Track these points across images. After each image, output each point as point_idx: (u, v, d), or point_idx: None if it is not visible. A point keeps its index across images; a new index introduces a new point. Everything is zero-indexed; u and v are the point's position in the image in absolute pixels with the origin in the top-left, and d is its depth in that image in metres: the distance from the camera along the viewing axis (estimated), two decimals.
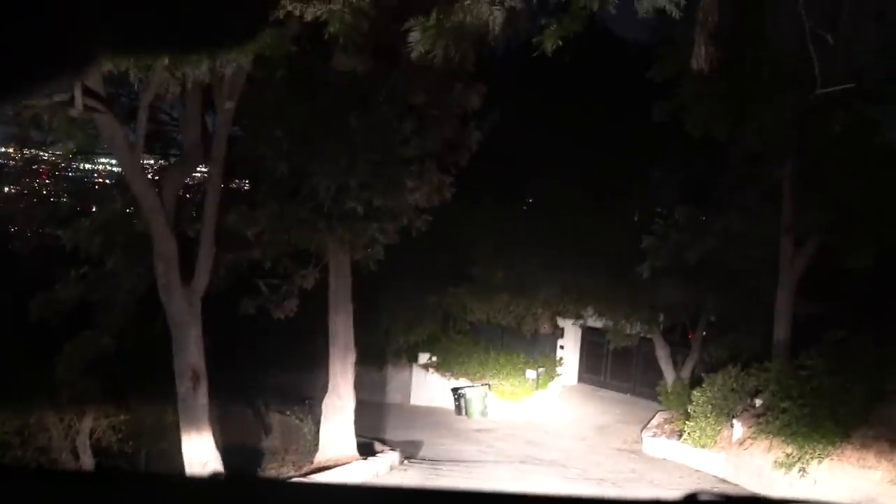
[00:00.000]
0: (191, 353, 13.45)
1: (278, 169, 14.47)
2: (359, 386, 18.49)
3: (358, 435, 18.28)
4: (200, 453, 13.60)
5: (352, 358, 17.47)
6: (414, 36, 9.61)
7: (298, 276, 16.93)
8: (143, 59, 8.64)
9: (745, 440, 18.50)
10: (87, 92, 10.93)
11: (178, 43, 1.49)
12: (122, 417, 18.79)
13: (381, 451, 18.29)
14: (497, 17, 9.84)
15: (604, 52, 26.02)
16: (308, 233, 15.26)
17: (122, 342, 16.69)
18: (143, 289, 15.27)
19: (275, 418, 22.32)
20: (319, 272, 17.25)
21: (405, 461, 18.30)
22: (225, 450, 16.08)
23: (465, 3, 9.52)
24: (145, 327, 16.19)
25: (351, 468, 16.23)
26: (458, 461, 19.28)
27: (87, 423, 18.36)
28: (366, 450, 18.18)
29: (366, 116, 14.23)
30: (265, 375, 23.57)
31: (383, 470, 17.01)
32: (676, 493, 1.92)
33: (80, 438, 18.38)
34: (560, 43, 9.72)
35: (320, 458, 17.24)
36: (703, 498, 1.81)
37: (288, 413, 21.18)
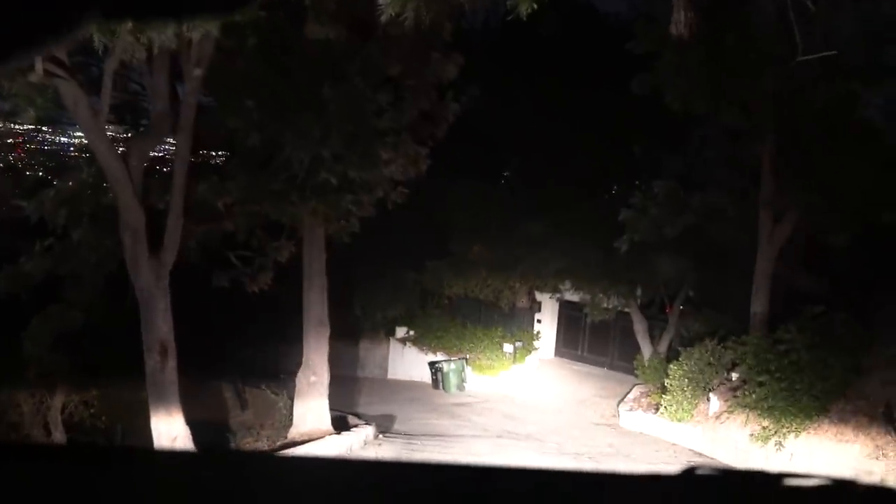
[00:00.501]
0: (159, 327, 13.11)
1: (249, 140, 14.07)
2: (336, 360, 18.27)
3: (334, 409, 18.01)
4: (169, 429, 13.30)
5: (326, 332, 17.15)
6: None
7: (272, 249, 16.60)
8: (133, 23, 8.31)
9: (721, 414, 18.36)
10: (48, 57, 10.52)
11: (168, 8, 1.44)
12: (93, 393, 18.41)
13: (356, 426, 17.99)
14: None
15: (584, 25, 25.81)
16: (281, 205, 14.87)
17: (91, 316, 16.33)
18: (112, 262, 14.86)
19: (250, 393, 22.02)
20: (294, 245, 16.94)
21: (380, 435, 18.02)
22: (199, 425, 15.81)
23: None
24: (115, 301, 15.82)
25: (325, 443, 15.95)
26: (434, 435, 19.05)
27: (58, 400, 17.97)
28: (341, 424, 17.90)
29: (339, 86, 13.83)
30: (241, 350, 23.26)
31: (357, 444, 16.74)
32: (671, 468, 1.96)
33: (51, 414, 18.00)
34: (535, 6, 9.30)
35: (294, 433, 16.95)
36: (701, 472, 1.75)
37: (263, 388, 20.90)
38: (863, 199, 17.65)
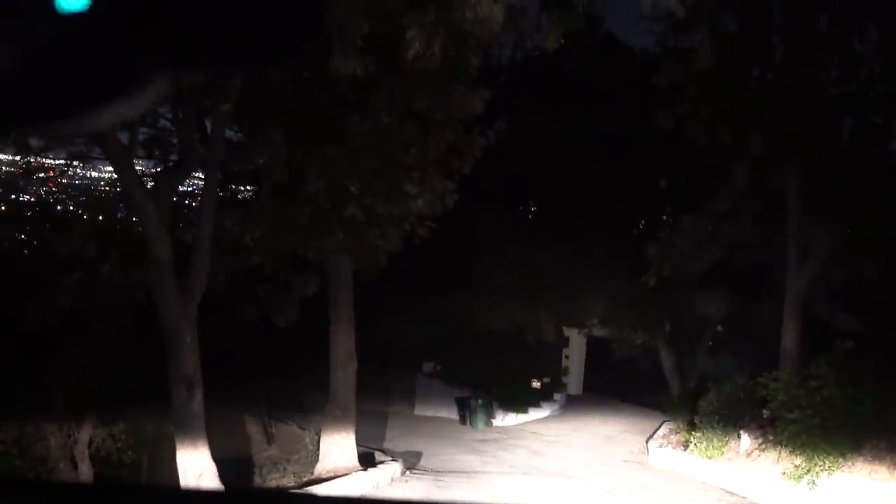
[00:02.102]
0: (185, 360, 13.05)
1: (277, 174, 14.08)
2: (362, 395, 18.15)
3: (360, 445, 17.89)
4: (195, 464, 13.18)
5: (353, 367, 17.06)
6: (411, 33, 9.26)
7: (298, 283, 16.57)
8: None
9: (752, 451, 18.05)
10: None
11: (236, 60, 1.46)
12: (121, 426, 18.34)
13: (383, 462, 17.84)
14: (496, 14, 9.52)
15: (610, 59, 25.77)
16: (307, 239, 14.83)
17: (120, 349, 16.31)
18: (140, 294, 14.86)
19: (277, 427, 21.91)
20: (321, 279, 16.91)
21: (407, 472, 17.87)
22: (225, 459, 15.70)
23: None
24: (144, 333, 15.80)
25: (351, 479, 15.81)
26: (461, 472, 18.85)
27: (85, 432, 17.89)
28: (367, 460, 17.76)
29: (366, 120, 13.84)
30: (268, 383, 23.16)
31: (384, 481, 16.58)
32: None
33: (78, 448, 17.90)
34: (562, 41, 9.29)
35: (321, 469, 16.81)
36: None
37: (289, 422, 20.77)
38: (891, 229, 17.41)
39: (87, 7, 1.16)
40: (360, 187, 13.98)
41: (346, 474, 16.11)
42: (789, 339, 19.05)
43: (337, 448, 16.88)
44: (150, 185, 13.91)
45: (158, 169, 16.21)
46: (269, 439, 21.81)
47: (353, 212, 14.10)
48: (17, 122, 1.49)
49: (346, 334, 16.91)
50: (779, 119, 17.25)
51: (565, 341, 28.45)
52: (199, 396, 13.18)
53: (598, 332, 26.73)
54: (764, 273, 19.79)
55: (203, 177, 14.34)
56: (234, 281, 16.30)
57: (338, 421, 16.89)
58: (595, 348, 28.27)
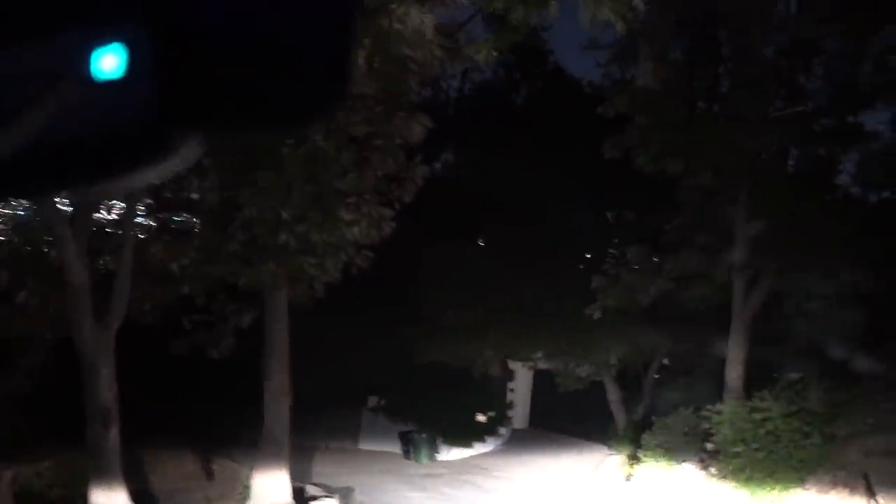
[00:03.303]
0: (101, 393, 12.21)
1: (206, 200, 13.33)
2: (306, 429, 17.42)
3: (298, 480, 17.21)
4: (108, 502, 12.27)
5: (287, 401, 16.23)
6: None
7: (233, 314, 15.76)
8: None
9: (696, 484, 17.47)
10: None
11: (270, 123, 1.37)
12: (46, 463, 17.35)
13: (318, 498, 16.99)
14: (426, 23, 8.97)
15: (558, 91, 25.44)
16: (239, 268, 14.04)
17: (42, 381, 15.39)
18: (60, 325, 13.96)
19: (219, 463, 20.99)
20: (257, 310, 16.12)
21: None
22: (159, 497, 14.89)
23: (393, 7, 8.59)
24: (67, 365, 14.89)
25: None
26: None
27: (9, 471, 16.91)
28: (303, 496, 16.92)
29: (301, 146, 13.13)
30: (208, 417, 22.25)
31: None
32: None
33: (1, 487, 16.91)
34: (495, 54, 8.74)
35: None
36: None
37: (231, 458, 19.90)
38: (837, 262, 17.06)
39: (122, 75, 1.14)
40: (293, 214, 13.26)
41: None
42: (734, 371, 18.56)
43: (270, 484, 16.04)
44: (68, 209, 13.05)
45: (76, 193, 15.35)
46: (209, 475, 20.91)
47: (285, 240, 13.37)
48: (43, 187, 1.46)
49: (281, 367, 16.10)
50: (726, 150, 16.85)
51: (511, 374, 27.87)
52: (114, 431, 12.33)
53: (543, 365, 26.13)
54: (710, 306, 19.30)
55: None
56: (165, 312, 15.44)
57: (271, 456, 16.07)
58: (541, 381, 27.68)
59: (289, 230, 13.36)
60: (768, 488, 15.46)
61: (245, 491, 17.35)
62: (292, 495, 16.37)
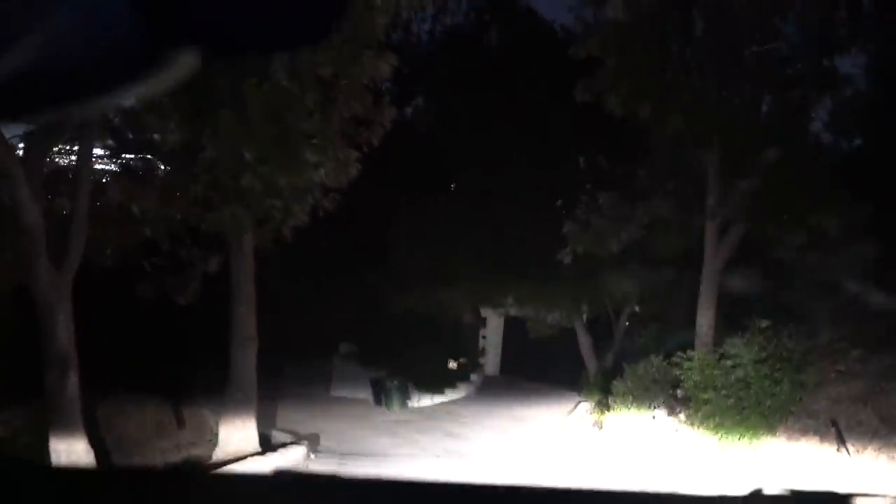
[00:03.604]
0: (58, 339, 11.82)
1: (167, 140, 12.89)
2: (277, 377, 17.15)
3: (268, 427, 17.23)
4: (69, 449, 11.97)
5: (254, 347, 15.89)
6: None
7: (199, 259, 15.39)
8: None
9: (666, 430, 17.40)
10: None
11: (268, 42, 1.36)
12: (12, 412, 17.01)
13: (286, 445, 16.77)
14: None
15: (530, 34, 25.01)
16: (201, 211, 13.67)
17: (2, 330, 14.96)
18: (17, 271, 13.53)
19: (190, 411, 20.72)
20: (223, 255, 15.74)
21: (312, 455, 16.85)
22: (125, 445, 14.61)
23: None
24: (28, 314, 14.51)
25: (249, 463, 14.72)
26: (369, 455, 17.94)
27: None
28: (271, 444, 16.69)
29: (264, 86, 12.69)
30: (178, 366, 21.93)
31: (286, 464, 15.50)
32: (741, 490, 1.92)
33: None
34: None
35: (220, 453, 15.69)
36: (768, 493, 1.87)
37: (202, 406, 19.62)
38: (810, 209, 16.87)
39: None
40: (256, 156, 12.86)
41: (244, 458, 14.99)
42: (705, 318, 18.36)
43: (237, 432, 15.77)
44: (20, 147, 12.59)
45: (30, 130, 14.82)
46: (181, 424, 20.65)
47: (249, 182, 12.99)
48: (38, 107, 1.35)
49: (247, 312, 15.74)
50: (697, 95, 16.54)
51: (483, 322, 27.75)
52: (73, 378, 11.98)
53: (515, 312, 26.01)
54: (682, 252, 19.11)
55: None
56: (129, 256, 15.04)
57: (238, 404, 15.77)
58: (513, 329, 27.57)
59: (252, 172, 12.99)
60: (738, 436, 15.37)
61: (215, 438, 17.13)
62: (259, 442, 16.12)
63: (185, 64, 1.16)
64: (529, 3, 26.46)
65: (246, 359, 15.83)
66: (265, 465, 14.87)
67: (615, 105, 16.57)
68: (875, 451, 12.93)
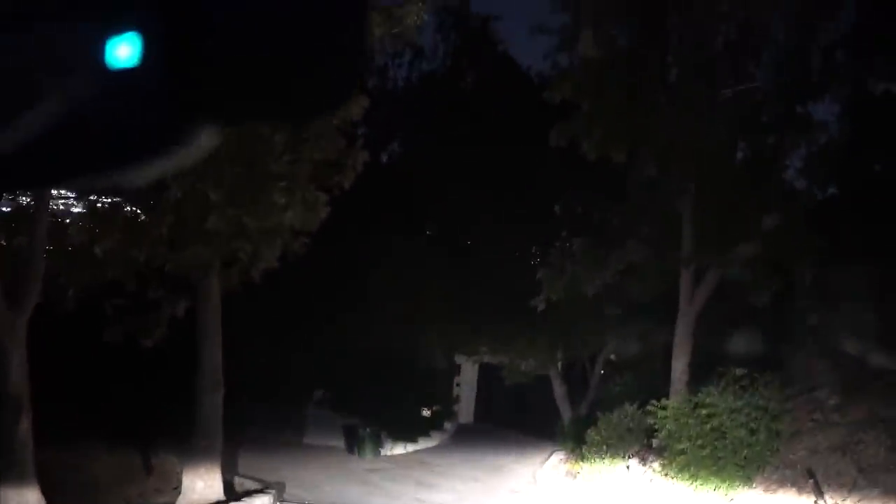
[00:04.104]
0: (11, 383, 11.30)
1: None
2: (253, 424, 16.65)
3: (235, 475, 16.91)
4: (21, 500, 11.38)
5: (219, 392, 15.39)
6: None
7: (166, 302, 14.92)
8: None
9: (640, 481, 16.93)
10: None
11: (282, 115, 1.47)
12: None
13: (251, 494, 16.19)
14: None
15: (505, 81, 24.93)
16: (165, 252, 13.24)
17: None
18: None
19: (160, 458, 20.11)
20: (191, 298, 15.28)
21: (278, 503, 16.28)
22: (88, 491, 14.31)
23: None
24: None
25: None
26: None
27: None
28: (236, 492, 16.12)
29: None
30: (147, 412, 21.37)
31: None
32: None
33: None
34: (422, 18, 8.09)
35: (183, 502, 15.10)
36: None
37: (170, 453, 19.06)
38: (784, 256, 16.63)
39: (137, 64, 1.12)
40: (223, 196, 12.49)
41: None
42: (680, 366, 17.98)
43: (201, 481, 15.22)
44: None
45: None
46: (150, 471, 20.04)
47: (215, 223, 12.60)
48: (55, 178, 1.36)
49: (213, 356, 15.28)
50: (672, 139, 16.32)
51: (457, 369, 27.33)
52: (26, 424, 11.43)
53: (490, 359, 25.61)
54: (656, 299, 18.79)
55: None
56: (93, 298, 14.55)
57: (203, 450, 15.25)
58: (487, 376, 27.15)
59: (219, 213, 12.62)
60: (714, 486, 14.93)
61: (180, 485, 16.57)
62: (225, 489, 15.57)
63: (205, 140, 1.16)
64: (506, 49, 26.24)
65: (212, 404, 15.32)
66: None
67: (589, 149, 16.31)
68: (855, 502, 12.49)
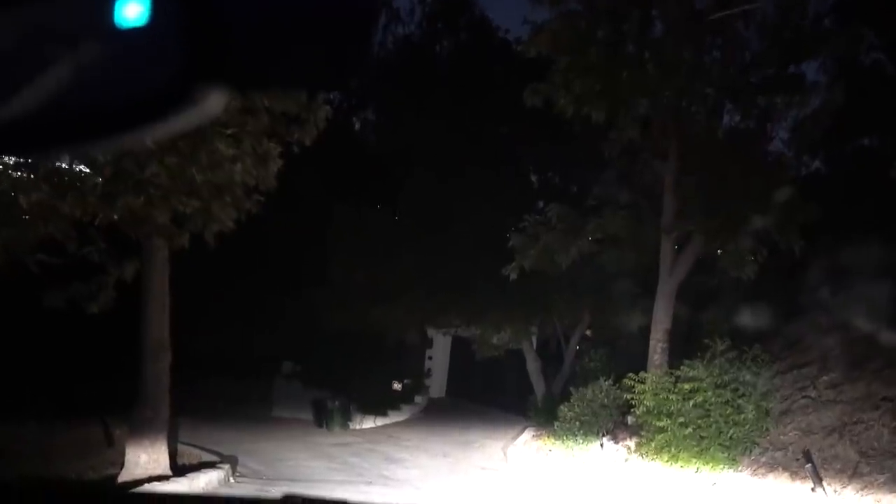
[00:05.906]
0: None
1: None
2: (220, 397, 15.39)
3: (189, 448, 15.81)
4: None
5: (166, 359, 13.88)
6: None
7: (113, 264, 13.43)
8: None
9: (615, 460, 15.59)
10: None
11: (291, 80, 1.46)
12: None
13: (202, 467, 14.78)
14: None
15: (482, 45, 23.67)
16: (105, 206, 11.70)
17: None
18: None
19: (123, 428, 18.81)
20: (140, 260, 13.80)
21: (232, 479, 14.87)
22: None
23: None
24: None
25: (155, 487, 12.70)
26: (299, 479, 16.04)
27: None
28: (186, 466, 14.72)
29: None
30: (109, 380, 20.05)
31: (201, 489, 13.54)
32: None
33: None
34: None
35: (126, 476, 13.63)
36: None
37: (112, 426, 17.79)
38: (769, 227, 15.31)
39: (146, 22, 1.12)
40: (161, 143, 10.98)
41: (148, 481, 12.99)
42: (659, 339, 16.60)
43: (144, 454, 13.73)
44: None
45: None
46: (111, 441, 18.69)
47: (153, 172, 11.09)
48: (66, 140, 1.33)
49: (159, 319, 13.78)
50: (654, 99, 14.92)
51: (429, 342, 26.20)
52: None
53: (463, 332, 24.40)
54: (635, 269, 17.51)
55: None
56: (32, 262, 13.05)
57: (147, 423, 13.75)
58: (460, 350, 25.97)
59: (159, 162, 11.12)
60: (696, 468, 13.55)
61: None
62: (174, 464, 14.15)
63: (214, 101, 1.13)
64: (483, 12, 24.86)
65: (156, 371, 13.83)
66: (171, 489, 12.87)
67: (566, 105, 14.82)
68: (857, 490, 11.00)
